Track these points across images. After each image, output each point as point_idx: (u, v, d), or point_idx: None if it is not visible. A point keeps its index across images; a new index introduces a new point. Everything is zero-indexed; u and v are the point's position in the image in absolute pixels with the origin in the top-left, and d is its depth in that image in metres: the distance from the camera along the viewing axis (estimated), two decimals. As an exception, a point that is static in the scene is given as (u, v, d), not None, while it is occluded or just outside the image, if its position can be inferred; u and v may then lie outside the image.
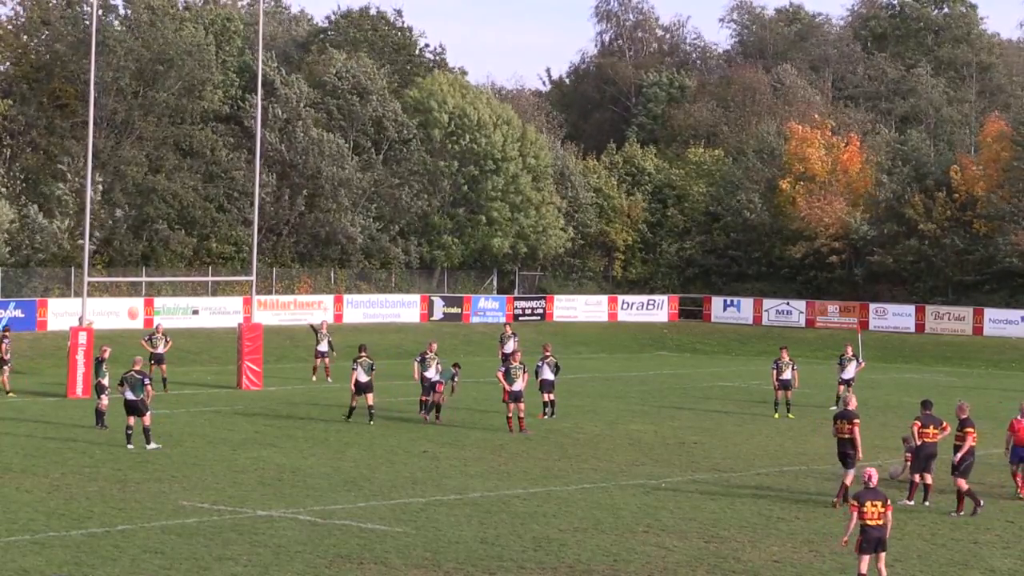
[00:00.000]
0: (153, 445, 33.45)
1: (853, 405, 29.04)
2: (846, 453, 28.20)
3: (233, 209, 68.74)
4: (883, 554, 21.04)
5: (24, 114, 65.00)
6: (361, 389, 38.70)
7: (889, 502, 21.19)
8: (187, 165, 67.83)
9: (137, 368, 34.46)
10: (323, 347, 50.63)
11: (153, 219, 65.88)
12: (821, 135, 78.32)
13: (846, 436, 28.23)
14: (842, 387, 45.11)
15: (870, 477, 21.33)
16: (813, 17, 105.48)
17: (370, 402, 38.74)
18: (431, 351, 39.99)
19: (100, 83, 61.60)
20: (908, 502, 28.02)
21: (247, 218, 64.76)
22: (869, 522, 20.79)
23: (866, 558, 20.78)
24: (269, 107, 69.83)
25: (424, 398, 39.82)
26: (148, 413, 33.81)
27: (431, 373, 39.57)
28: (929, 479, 28.18)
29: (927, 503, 28.12)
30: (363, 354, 39.02)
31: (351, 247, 71.56)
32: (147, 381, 33.90)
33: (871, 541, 20.78)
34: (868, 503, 20.85)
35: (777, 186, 78.33)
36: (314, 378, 50.66)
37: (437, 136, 74.77)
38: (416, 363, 40.04)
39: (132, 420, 33.61)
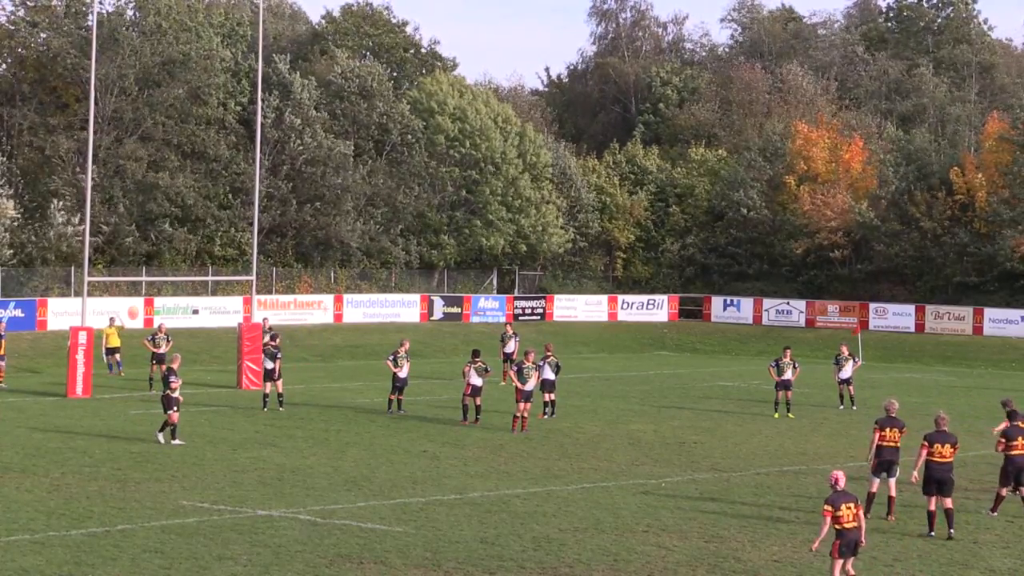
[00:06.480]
0: (164, 440, 34.31)
1: (896, 408, 27.37)
2: (892, 462, 26.66)
3: (239, 207, 68.71)
4: (852, 558, 20.66)
5: (20, 112, 65.06)
6: (269, 376, 41.29)
7: (860, 502, 20.96)
8: (191, 166, 67.85)
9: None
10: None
11: (156, 216, 65.88)
12: (828, 136, 78.32)
13: (891, 445, 26.66)
14: (842, 387, 45.31)
15: (837, 480, 20.76)
16: (811, 16, 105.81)
17: (279, 389, 41.38)
18: (403, 350, 41.38)
19: (102, 81, 61.68)
20: (992, 513, 27.33)
21: (252, 219, 64.88)
22: (846, 525, 20.41)
23: (840, 562, 20.44)
24: (286, 112, 69.90)
25: (393, 396, 41.38)
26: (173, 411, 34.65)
27: (403, 372, 41.07)
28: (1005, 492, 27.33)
29: (994, 512, 27.48)
30: (273, 342, 41.85)
31: (349, 249, 71.61)
32: (172, 378, 34.83)
33: (849, 544, 20.44)
34: (843, 506, 20.43)
35: (780, 182, 78.41)
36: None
37: (442, 141, 74.85)
38: (388, 361, 41.47)
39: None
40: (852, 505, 20.52)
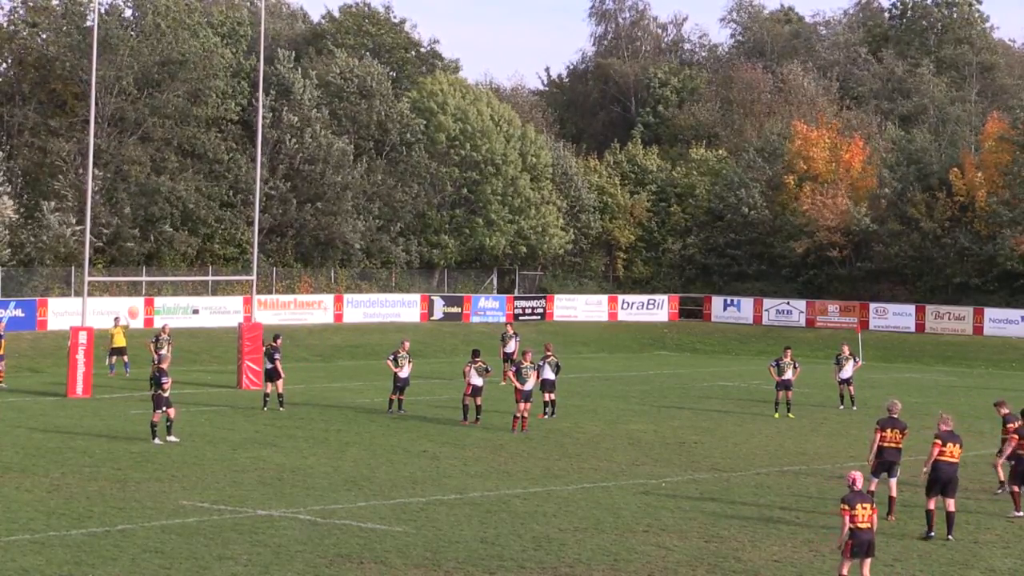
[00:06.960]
0: (162, 440, 34.31)
1: (898, 409, 27.21)
2: (892, 462, 26.63)
3: (239, 205, 68.72)
4: (869, 560, 20.75)
5: (20, 112, 65.09)
6: (270, 376, 41.29)
7: (875, 504, 21.08)
8: (191, 166, 67.86)
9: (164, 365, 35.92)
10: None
11: (157, 218, 65.92)
12: (828, 136, 78.30)
13: (893, 445, 26.60)
14: (843, 387, 45.29)
15: (855, 480, 20.89)
16: (813, 16, 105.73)
17: (279, 389, 41.34)
18: (404, 350, 41.46)
19: (102, 82, 61.67)
20: (1018, 513, 27.18)
21: (252, 219, 64.89)
22: (860, 525, 20.56)
23: (850, 563, 20.54)
24: (283, 111, 69.85)
25: (393, 396, 41.36)
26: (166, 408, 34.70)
27: (404, 372, 41.07)
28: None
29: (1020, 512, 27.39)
30: (274, 343, 41.46)
31: (351, 249, 71.63)
32: (164, 378, 34.87)
33: (862, 545, 20.56)
34: (859, 506, 20.59)
35: (780, 182, 78.40)
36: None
37: (442, 140, 74.84)
38: (389, 361, 41.52)
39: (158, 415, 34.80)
40: (867, 506, 20.67)
